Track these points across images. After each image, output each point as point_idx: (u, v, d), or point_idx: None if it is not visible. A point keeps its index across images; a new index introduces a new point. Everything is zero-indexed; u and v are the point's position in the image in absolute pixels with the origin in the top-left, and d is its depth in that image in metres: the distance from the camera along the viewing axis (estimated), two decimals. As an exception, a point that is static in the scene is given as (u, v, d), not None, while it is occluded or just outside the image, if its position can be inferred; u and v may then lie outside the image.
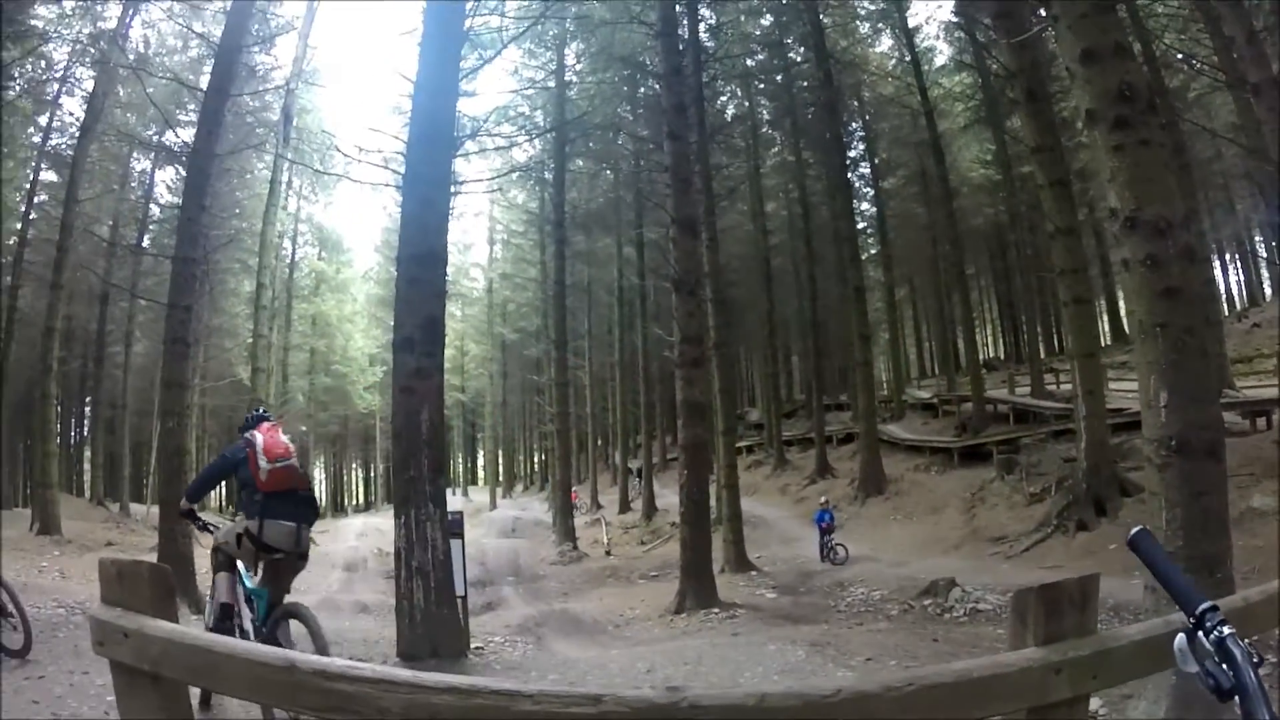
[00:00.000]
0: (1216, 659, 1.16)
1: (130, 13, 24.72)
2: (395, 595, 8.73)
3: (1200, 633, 1.20)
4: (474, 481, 65.07)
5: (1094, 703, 5.98)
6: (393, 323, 9.33)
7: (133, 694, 1.99)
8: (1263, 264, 35.55)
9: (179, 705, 2.02)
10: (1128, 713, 5.49)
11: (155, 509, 26.27)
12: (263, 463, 5.09)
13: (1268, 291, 35.72)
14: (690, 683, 7.39)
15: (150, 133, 29.09)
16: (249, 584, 5.07)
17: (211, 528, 5.81)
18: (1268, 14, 15.77)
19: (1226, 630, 1.18)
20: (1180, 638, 1.24)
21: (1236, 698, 1.12)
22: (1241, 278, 41.04)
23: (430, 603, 8.15)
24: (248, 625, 4.92)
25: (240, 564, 5.12)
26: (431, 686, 1.78)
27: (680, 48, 18.02)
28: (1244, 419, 16.69)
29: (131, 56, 24.87)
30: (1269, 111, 12.98)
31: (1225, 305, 36.86)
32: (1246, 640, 1.18)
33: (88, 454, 36.27)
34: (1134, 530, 1.55)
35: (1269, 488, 12.61)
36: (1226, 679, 1.13)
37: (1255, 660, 1.15)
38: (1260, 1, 15.91)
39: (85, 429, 36.49)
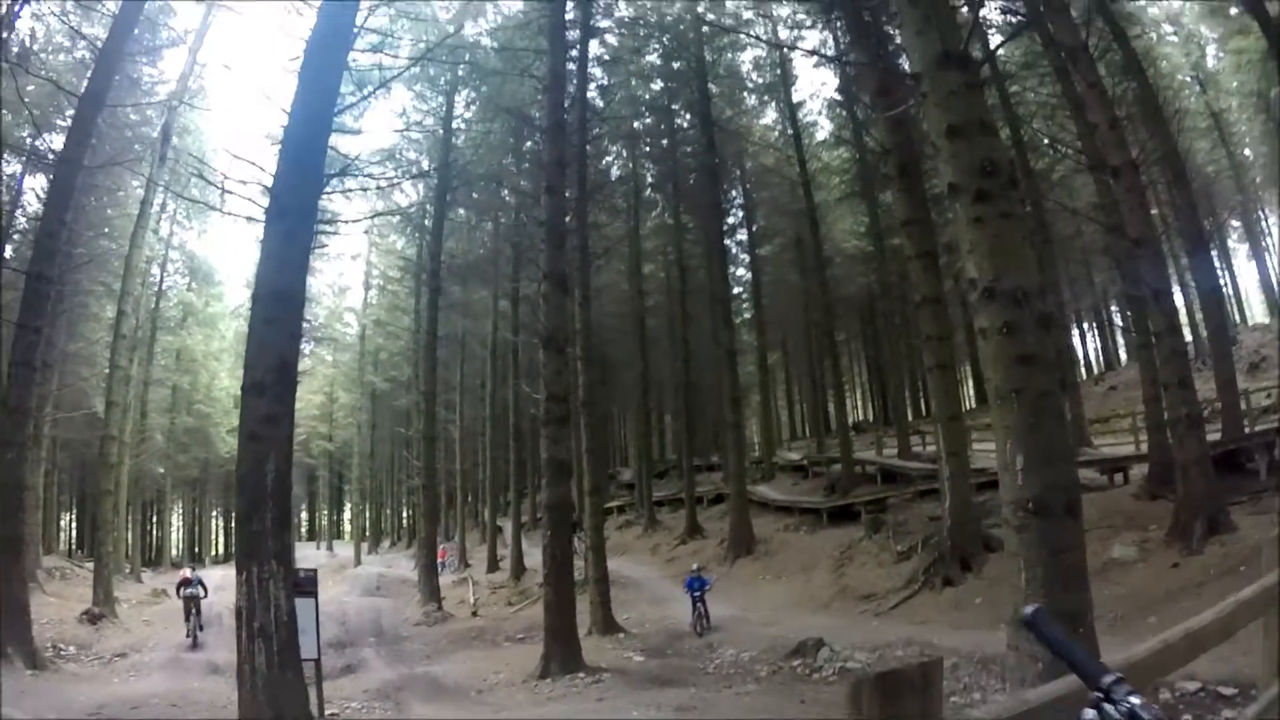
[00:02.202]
0: None
1: (19, 3, 23.10)
2: (236, 658, 8.08)
3: (1108, 704, 1.18)
4: (339, 535, 62.68)
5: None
6: (243, 364, 8.79)
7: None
8: (1118, 331, 38.01)
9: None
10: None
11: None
12: None
13: (1123, 357, 38.25)
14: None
15: (25, 134, 27.14)
16: None
17: None
18: (1130, 103, 17.10)
19: (1136, 700, 1.16)
20: (1089, 712, 1.21)
21: None
22: (1099, 344, 44.23)
23: (273, 666, 7.60)
24: None
25: None
26: None
27: (567, 104, 18.11)
28: (1102, 474, 17.89)
29: (15, 49, 23.15)
30: (1127, 192, 14.02)
31: (1084, 370, 39.46)
32: (1156, 706, 1.17)
33: None
34: (1028, 610, 1.50)
35: (1128, 538, 13.34)
36: None
37: None
38: (1123, 92, 17.23)
39: None
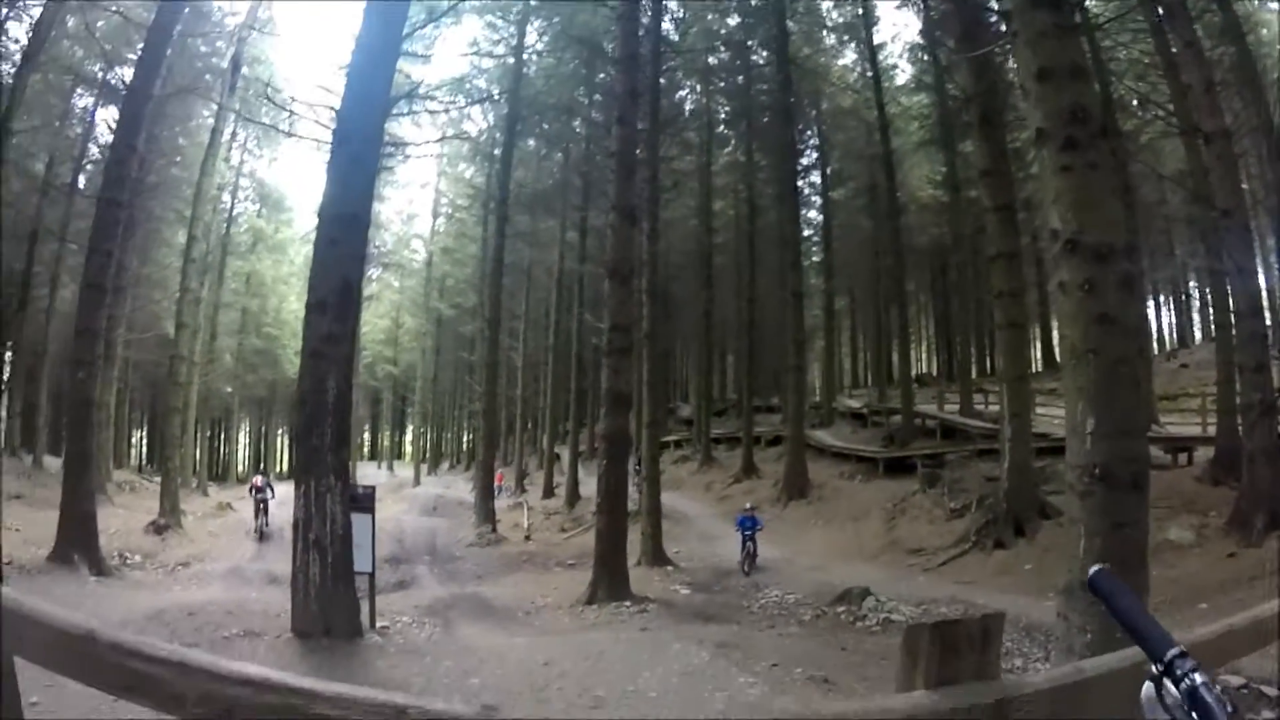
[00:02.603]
0: (1187, 709, 1.05)
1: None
2: (291, 568, 8.34)
3: (1169, 680, 1.09)
4: (400, 456, 64.10)
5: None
6: (307, 284, 8.92)
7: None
8: (1195, 307, 36.53)
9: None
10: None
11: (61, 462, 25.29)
12: None
13: (1198, 335, 36.72)
14: (588, 679, 7.19)
15: (97, 68, 27.74)
16: None
17: None
18: (1226, 69, 16.15)
19: (1199, 678, 1.06)
20: (1148, 686, 1.12)
21: None
22: (1174, 319, 42.47)
23: (326, 579, 7.83)
24: None
25: None
26: (227, 676, 1.59)
27: (641, 34, 17.78)
28: (1166, 453, 17.19)
29: None
30: (1218, 160, 13.26)
31: (1156, 344, 38.00)
32: (1219, 687, 1.07)
33: (5, 402, 34.51)
34: (1094, 570, 1.38)
35: (1186, 521, 12.93)
36: None
37: (1230, 709, 1.03)
38: (1220, 57, 16.29)
39: (4, 376, 34.70)
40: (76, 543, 12.65)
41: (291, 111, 14.45)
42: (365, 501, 9.90)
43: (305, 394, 7.96)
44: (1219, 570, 11.14)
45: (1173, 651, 1.10)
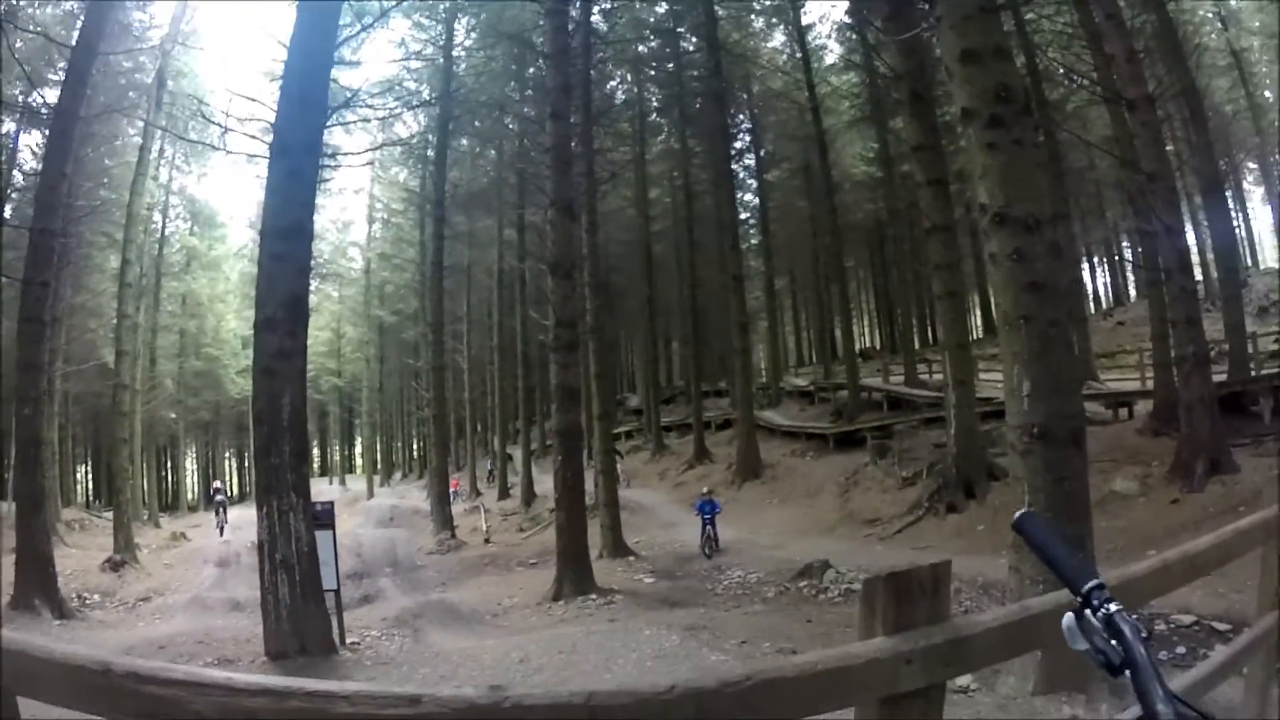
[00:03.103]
0: (1105, 635, 1.16)
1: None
2: (260, 592, 8.30)
3: (1088, 610, 1.19)
4: (351, 470, 63.36)
5: (965, 678, 6.21)
6: (254, 301, 8.85)
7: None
8: (1128, 267, 37.62)
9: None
10: (998, 688, 5.70)
11: (11, 506, 24.55)
12: None
13: (1132, 293, 37.78)
14: (564, 671, 7.32)
15: (16, 92, 26.89)
16: None
17: None
18: (1149, 36, 16.69)
19: (1114, 606, 1.17)
20: (1069, 616, 1.21)
21: (1128, 672, 1.12)
22: (1109, 279, 43.75)
23: (296, 598, 7.82)
24: None
25: None
26: (244, 689, 1.68)
27: (570, 28, 17.81)
28: (1107, 409, 17.95)
29: (2, 5, 22.80)
30: (1142, 126, 13.74)
31: (1092, 304, 39.10)
32: (1134, 615, 1.18)
33: None
34: (1018, 513, 1.51)
35: (1130, 472, 13.45)
36: (1116, 655, 1.13)
37: (1144, 635, 1.14)
38: (1142, 25, 16.82)
39: None
40: (35, 586, 12.38)
41: (224, 126, 14.18)
42: (325, 518, 9.85)
43: (260, 412, 7.91)
44: (1164, 517, 11.64)
45: (1090, 584, 1.21)
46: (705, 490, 18.66)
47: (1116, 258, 40.76)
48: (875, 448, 20.24)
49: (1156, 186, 13.69)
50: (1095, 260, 42.91)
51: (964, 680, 6.10)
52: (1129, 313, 31.85)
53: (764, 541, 17.32)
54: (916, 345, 34.55)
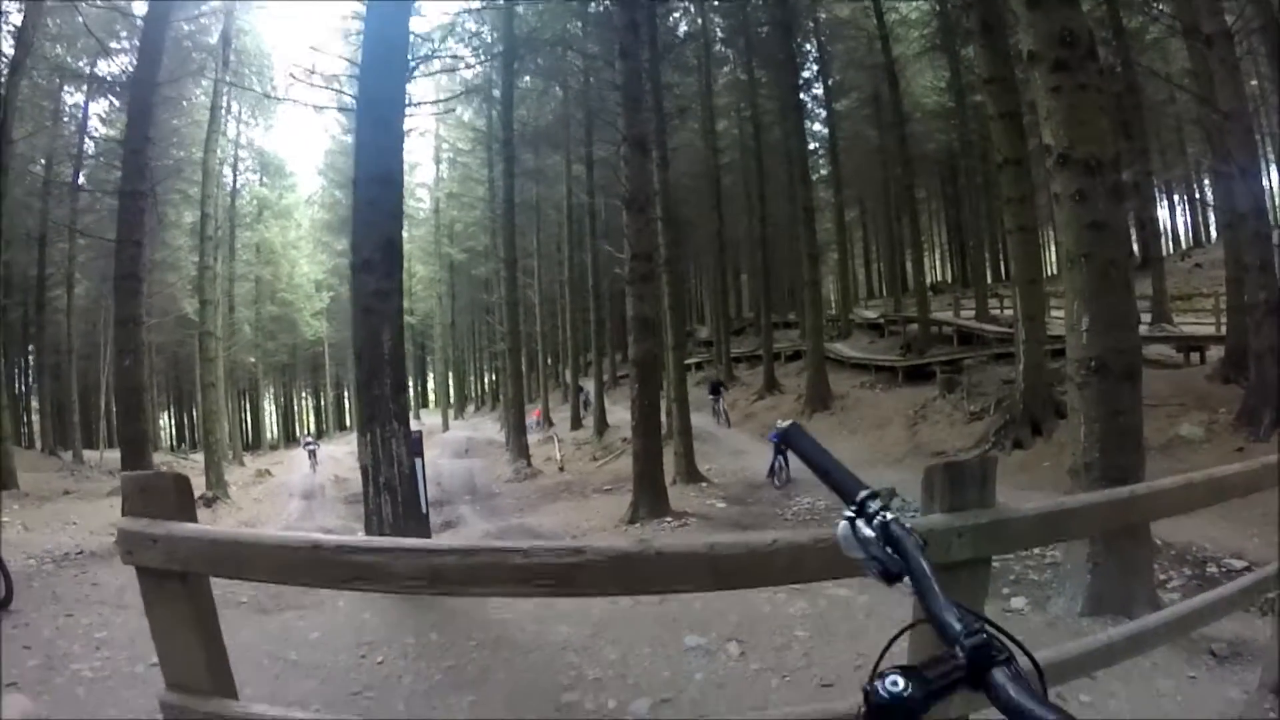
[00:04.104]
0: (881, 542, 1.14)
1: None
2: (364, 512, 8.93)
3: (861, 520, 1.17)
4: (425, 404, 64.87)
5: (1019, 600, 6.58)
6: (350, 245, 9.37)
7: (161, 596, 2.20)
8: (1209, 208, 36.24)
9: (205, 600, 2.23)
10: (1048, 609, 6.08)
11: (109, 454, 26.13)
12: None
13: (1212, 234, 36.22)
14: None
15: (82, 63, 27.90)
16: None
17: None
18: None
19: (889, 515, 1.16)
20: (843, 524, 1.18)
21: (906, 579, 1.10)
22: (1188, 218, 42.10)
23: (399, 517, 8.33)
24: None
25: None
26: (436, 550, 2.13)
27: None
28: (1178, 352, 17.66)
29: None
30: (1220, 62, 13.17)
31: (1170, 244, 37.75)
32: (909, 523, 1.19)
33: (35, 404, 35.28)
34: (783, 423, 1.50)
35: (1196, 418, 13.26)
36: (895, 563, 1.12)
37: (922, 543, 1.13)
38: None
39: (29, 378, 35.43)
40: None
41: (292, 77, 14.77)
42: (416, 446, 10.47)
43: (361, 349, 8.41)
44: (1227, 464, 11.50)
45: (864, 493, 1.20)
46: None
47: (1196, 197, 39.32)
48: (944, 381, 20.32)
49: (1234, 125, 13.23)
50: (1174, 199, 41.35)
51: (1017, 603, 6.49)
52: (1208, 255, 30.66)
53: (833, 471, 17.54)
54: (989, 279, 34.12)
